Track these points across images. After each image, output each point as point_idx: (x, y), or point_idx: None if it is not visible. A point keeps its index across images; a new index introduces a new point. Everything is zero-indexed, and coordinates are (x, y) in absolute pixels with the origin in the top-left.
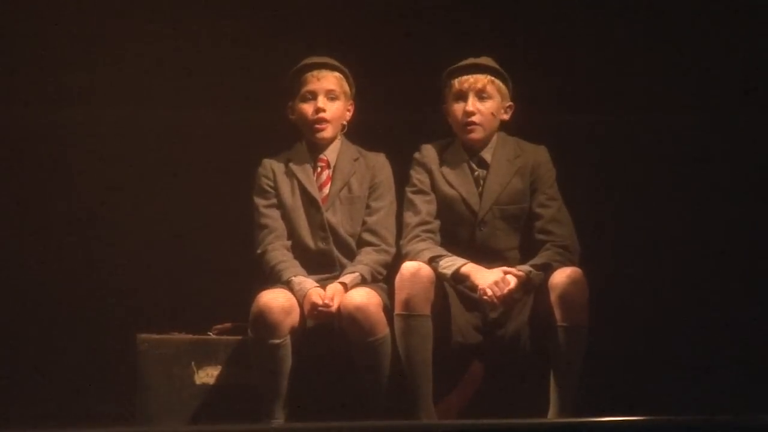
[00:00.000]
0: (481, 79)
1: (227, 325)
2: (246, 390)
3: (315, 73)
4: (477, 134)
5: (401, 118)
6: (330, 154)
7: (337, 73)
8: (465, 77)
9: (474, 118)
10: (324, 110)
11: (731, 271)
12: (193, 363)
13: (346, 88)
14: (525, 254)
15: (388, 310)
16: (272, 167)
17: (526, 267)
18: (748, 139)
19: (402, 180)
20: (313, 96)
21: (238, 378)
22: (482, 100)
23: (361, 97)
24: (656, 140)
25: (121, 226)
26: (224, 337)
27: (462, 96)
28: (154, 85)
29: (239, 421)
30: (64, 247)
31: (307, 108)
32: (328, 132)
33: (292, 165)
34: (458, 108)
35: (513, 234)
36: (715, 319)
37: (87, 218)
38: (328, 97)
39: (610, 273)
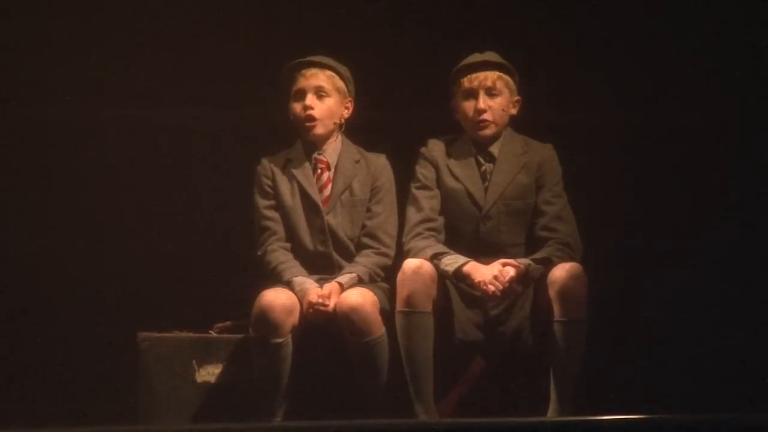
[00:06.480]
0: (490, 76)
1: (228, 323)
2: (247, 388)
3: (303, 71)
4: (489, 131)
5: (401, 117)
6: (330, 155)
7: (327, 71)
8: (474, 75)
9: (486, 116)
10: (312, 108)
11: (733, 269)
12: (194, 361)
13: (340, 84)
14: (528, 251)
15: (385, 310)
16: (272, 168)
17: (525, 260)
18: (751, 139)
19: (403, 179)
20: (303, 94)
21: (239, 376)
22: (492, 96)
23: (361, 96)
24: (659, 139)
25: (121, 224)
26: (225, 336)
27: (472, 93)
28: (157, 85)
29: (240, 420)
30: (64, 245)
31: (298, 107)
32: (318, 129)
33: (291, 166)
34: (469, 106)
35: (517, 229)
36: (716, 317)
37: (87, 217)
38: (317, 94)
39: (612, 271)
